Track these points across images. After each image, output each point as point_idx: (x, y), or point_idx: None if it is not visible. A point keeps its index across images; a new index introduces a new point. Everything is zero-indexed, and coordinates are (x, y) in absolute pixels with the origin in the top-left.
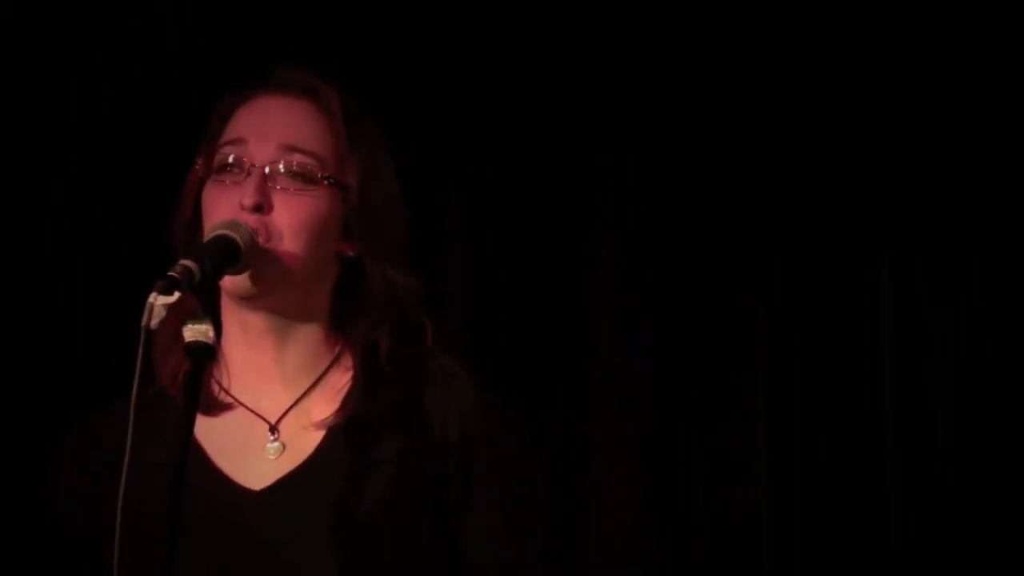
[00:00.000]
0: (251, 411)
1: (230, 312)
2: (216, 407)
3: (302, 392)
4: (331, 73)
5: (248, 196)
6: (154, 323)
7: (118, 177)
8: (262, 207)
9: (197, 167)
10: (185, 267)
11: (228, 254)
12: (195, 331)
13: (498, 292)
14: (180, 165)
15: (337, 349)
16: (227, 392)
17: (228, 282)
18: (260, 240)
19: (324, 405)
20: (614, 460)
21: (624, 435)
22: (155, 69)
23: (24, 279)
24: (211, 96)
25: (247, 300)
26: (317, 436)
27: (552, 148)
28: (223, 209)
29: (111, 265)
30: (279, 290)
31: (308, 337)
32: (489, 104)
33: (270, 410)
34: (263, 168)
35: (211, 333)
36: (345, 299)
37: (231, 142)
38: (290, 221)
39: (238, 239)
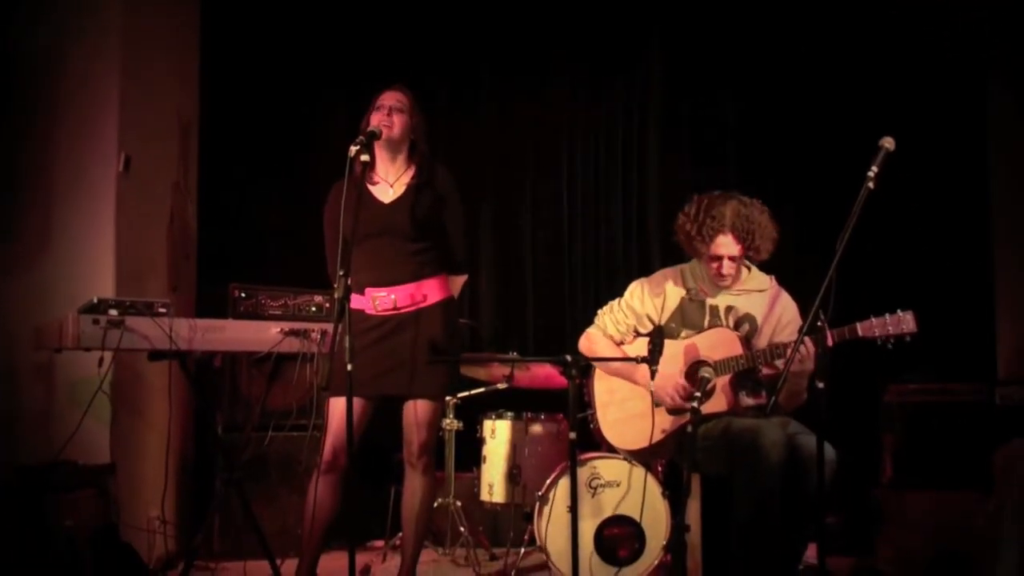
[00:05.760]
0: (384, 181)
1: (379, 148)
2: (371, 180)
3: (399, 174)
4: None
5: (385, 115)
6: (351, 153)
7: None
8: (391, 117)
9: (371, 109)
10: (360, 139)
11: (374, 135)
12: (364, 153)
13: None
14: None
15: (412, 161)
16: (376, 174)
17: (379, 141)
18: (386, 131)
19: (406, 178)
20: None
21: None
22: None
23: None
24: (369, 90)
25: (385, 144)
26: (403, 188)
27: None
28: (376, 120)
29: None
30: (394, 144)
31: (401, 157)
32: None
33: (390, 179)
34: (388, 108)
35: (366, 157)
36: (411, 149)
37: (381, 100)
38: (399, 124)
39: (377, 130)
